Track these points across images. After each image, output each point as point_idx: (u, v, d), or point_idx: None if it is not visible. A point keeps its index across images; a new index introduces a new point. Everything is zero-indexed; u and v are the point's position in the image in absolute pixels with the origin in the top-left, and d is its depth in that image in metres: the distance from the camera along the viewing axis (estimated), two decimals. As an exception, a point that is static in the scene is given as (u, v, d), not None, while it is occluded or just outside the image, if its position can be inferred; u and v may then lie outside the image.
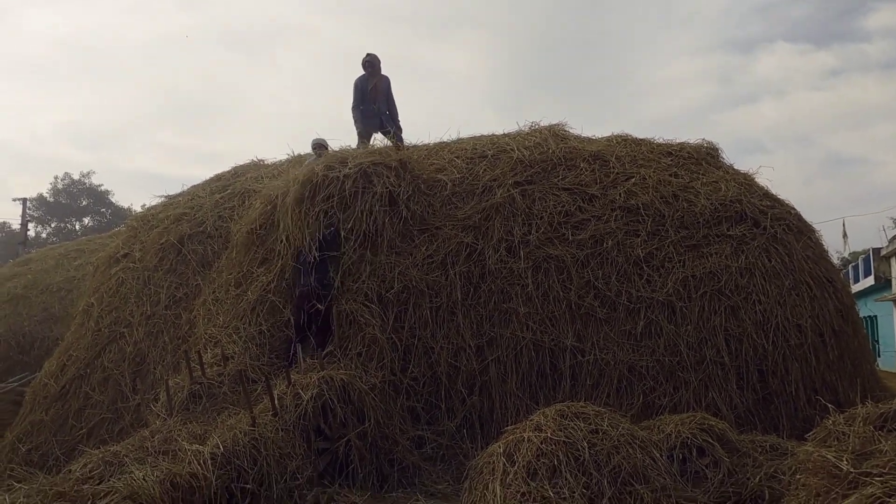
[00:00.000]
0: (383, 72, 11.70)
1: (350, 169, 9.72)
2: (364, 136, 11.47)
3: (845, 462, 4.99)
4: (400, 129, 11.77)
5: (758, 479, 6.35)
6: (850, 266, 39.79)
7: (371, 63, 11.49)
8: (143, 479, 5.38)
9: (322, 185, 9.67)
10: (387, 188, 9.67)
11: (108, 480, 5.55)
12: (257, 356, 8.83)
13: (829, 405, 6.57)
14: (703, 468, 6.53)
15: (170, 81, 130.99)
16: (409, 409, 8.67)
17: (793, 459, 6.14)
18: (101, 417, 10.24)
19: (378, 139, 11.73)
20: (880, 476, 4.63)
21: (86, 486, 5.36)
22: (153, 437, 6.74)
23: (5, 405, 13.71)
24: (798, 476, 5.61)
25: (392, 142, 11.48)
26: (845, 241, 33.37)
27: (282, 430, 6.72)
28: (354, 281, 9.22)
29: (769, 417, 8.67)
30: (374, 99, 11.52)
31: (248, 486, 6.01)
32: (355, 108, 11.50)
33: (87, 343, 11.15)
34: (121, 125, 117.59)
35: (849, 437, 5.34)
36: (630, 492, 5.71)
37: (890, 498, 4.30)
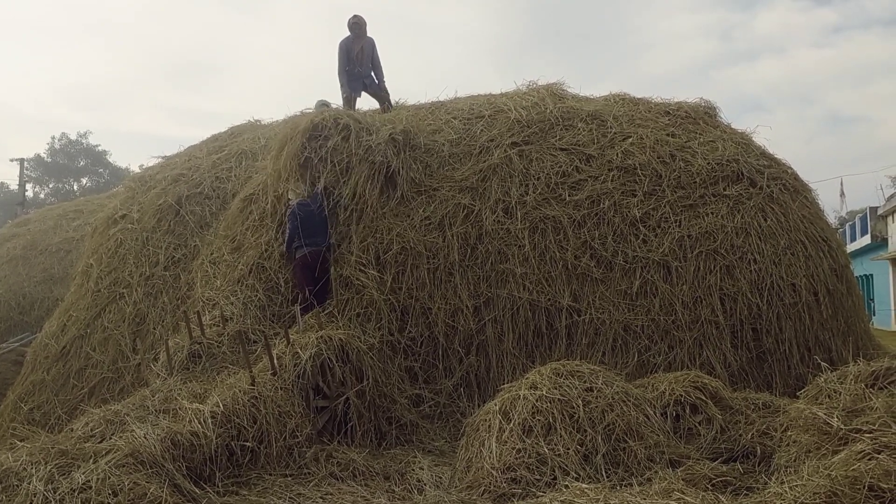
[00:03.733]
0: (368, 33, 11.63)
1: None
2: (350, 100, 11.43)
3: (836, 419, 5.08)
4: (387, 93, 11.76)
5: (750, 435, 6.44)
6: (847, 225, 39.84)
7: (357, 25, 11.39)
8: (145, 437, 5.46)
9: (323, 128, 9.83)
10: (386, 159, 9.68)
11: (110, 438, 5.64)
12: (257, 318, 8.89)
13: (822, 363, 6.65)
14: (697, 425, 6.62)
15: (167, 40, 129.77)
16: (406, 368, 8.75)
17: (784, 416, 6.22)
18: (101, 377, 10.32)
19: (362, 102, 11.76)
20: (870, 432, 4.71)
21: (88, 444, 5.44)
22: (154, 396, 6.81)
23: (7, 365, 13.82)
24: (789, 433, 5.70)
25: (383, 107, 11.50)
26: (843, 200, 33.46)
27: (281, 388, 6.78)
28: (351, 244, 9.26)
29: (762, 375, 8.76)
30: (360, 62, 11.44)
31: (248, 443, 6.08)
32: (341, 71, 11.42)
33: (87, 303, 11.20)
34: (117, 85, 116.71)
35: (840, 394, 5.42)
36: (624, 448, 5.79)
37: (879, 454, 4.37)
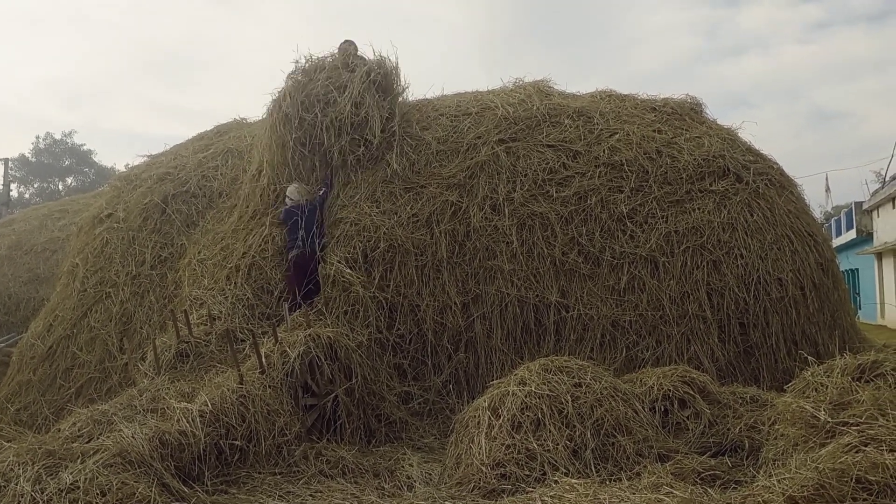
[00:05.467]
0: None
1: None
2: None
3: (823, 412, 5.11)
4: None
5: (738, 429, 6.48)
6: (832, 220, 40.05)
7: (346, 51, 11.44)
8: (133, 437, 5.43)
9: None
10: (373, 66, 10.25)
11: (98, 438, 5.60)
12: (245, 317, 8.86)
13: (809, 357, 6.69)
14: (685, 419, 6.65)
15: (150, 35, 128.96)
16: (395, 365, 8.75)
17: (772, 410, 6.26)
18: (88, 377, 10.27)
19: None
20: (857, 425, 4.75)
21: (75, 445, 5.41)
22: (141, 396, 6.78)
23: (-7, 366, 13.71)
24: (777, 426, 5.73)
25: None
26: (828, 195, 33.53)
27: (269, 387, 6.77)
28: (338, 243, 9.24)
29: (750, 370, 8.82)
30: None
31: (237, 442, 6.07)
32: None
33: (73, 303, 11.14)
34: (101, 82, 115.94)
35: (827, 387, 5.45)
36: (613, 443, 5.81)
37: (866, 446, 4.40)
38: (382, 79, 10.30)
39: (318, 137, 9.76)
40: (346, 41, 11.46)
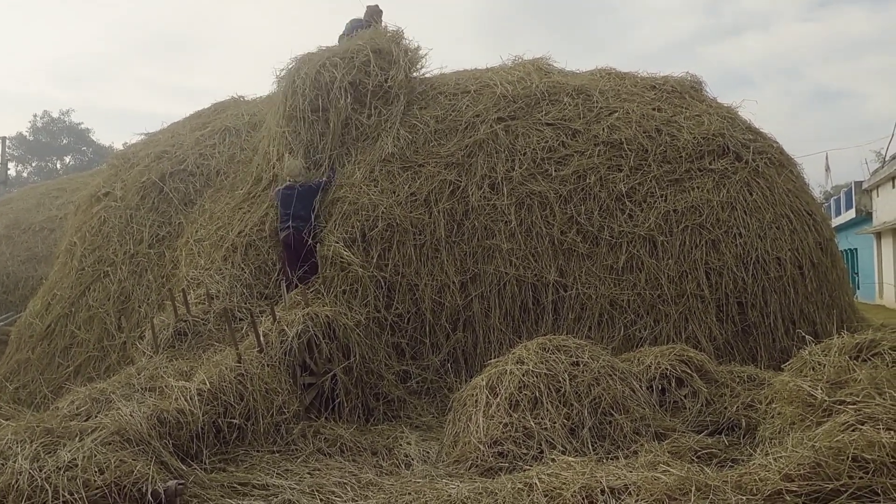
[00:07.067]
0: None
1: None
2: None
3: (820, 391, 5.11)
4: None
5: (735, 408, 6.50)
6: (831, 199, 40.01)
7: (377, 13, 11.48)
8: (131, 415, 5.43)
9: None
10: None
11: (96, 417, 5.61)
12: (243, 296, 8.86)
13: (807, 336, 6.70)
14: (682, 398, 6.67)
15: (148, 13, 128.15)
16: (394, 344, 8.76)
17: (769, 389, 6.27)
18: (87, 355, 10.28)
19: None
20: (854, 404, 4.75)
21: (73, 423, 5.41)
22: (139, 374, 6.79)
23: (-9, 345, 13.73)
24: (774, 405, 5.74)
25: None
26: (828, 175, 33.52)
27: (268, 365, 6.77)
28: (336, 222, 9.22)
29: (748, 349, 8.83)
30: None
31: (235, 420, 6.07)
32: (343, 36, 11.43)
33: (71, 282, 11.13)
34: (98, 61, 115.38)
35: (824, 366, 5.45)
36: (610, 422, 5.82)
37: (863, 425, 4.40)
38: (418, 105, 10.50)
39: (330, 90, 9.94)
40: (375, 5, 11.49)
